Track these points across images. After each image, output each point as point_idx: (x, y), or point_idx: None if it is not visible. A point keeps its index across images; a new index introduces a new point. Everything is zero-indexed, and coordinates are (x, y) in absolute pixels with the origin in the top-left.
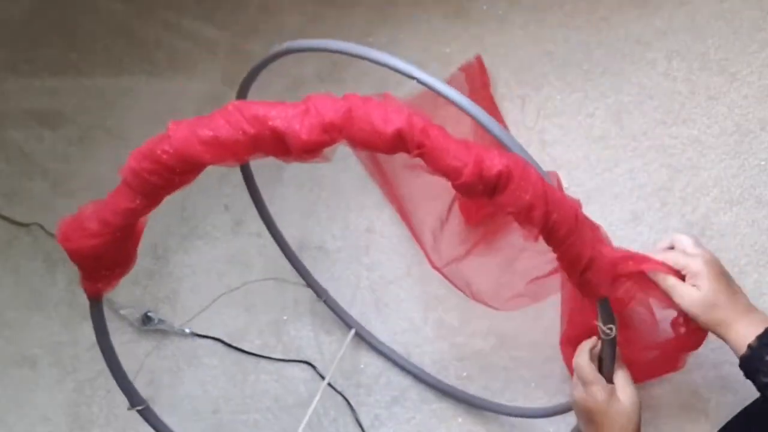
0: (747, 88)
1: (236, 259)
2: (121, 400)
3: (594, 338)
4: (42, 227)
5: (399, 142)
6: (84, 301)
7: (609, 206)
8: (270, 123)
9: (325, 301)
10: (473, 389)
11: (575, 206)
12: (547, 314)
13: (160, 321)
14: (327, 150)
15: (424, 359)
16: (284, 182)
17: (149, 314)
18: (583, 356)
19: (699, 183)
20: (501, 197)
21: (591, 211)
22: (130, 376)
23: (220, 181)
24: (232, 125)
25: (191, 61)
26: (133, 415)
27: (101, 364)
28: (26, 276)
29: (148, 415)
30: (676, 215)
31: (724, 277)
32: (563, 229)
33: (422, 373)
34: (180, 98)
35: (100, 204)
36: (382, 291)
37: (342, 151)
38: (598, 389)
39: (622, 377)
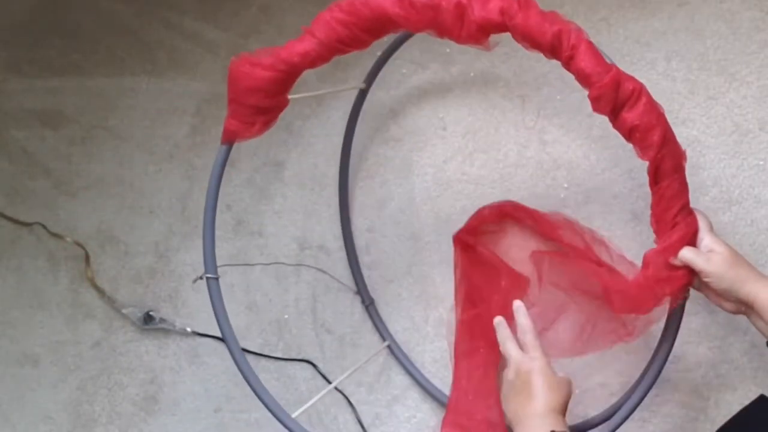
0: (746, 89)
1: (237, 258)
2: (123, 398)
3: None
4: (44, 227)
5: (557, 42)
6: (86, 299)
7: (609, 206)
8: None
9: (367, 307)
10: None
11: (683, 152)
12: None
13: (162, 320)
14: (493, 37)
15: (425, 358)
16: (285, 181)
17: (151, 313)
18: (526, 322)
19: (698, 183)
20: (629, 113)
21: (591, 210)
22: (131, 375)
23: (222, 181)
24: None
25: (193, 61)
26: (136, 413)
27: (103, 363)
28: (29, 275)
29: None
30: None
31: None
32: (670, 163)
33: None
34: (181, 98)
35: (278, 47)
36: (382, 291)
37: (340, 149)
38: (540, 354)
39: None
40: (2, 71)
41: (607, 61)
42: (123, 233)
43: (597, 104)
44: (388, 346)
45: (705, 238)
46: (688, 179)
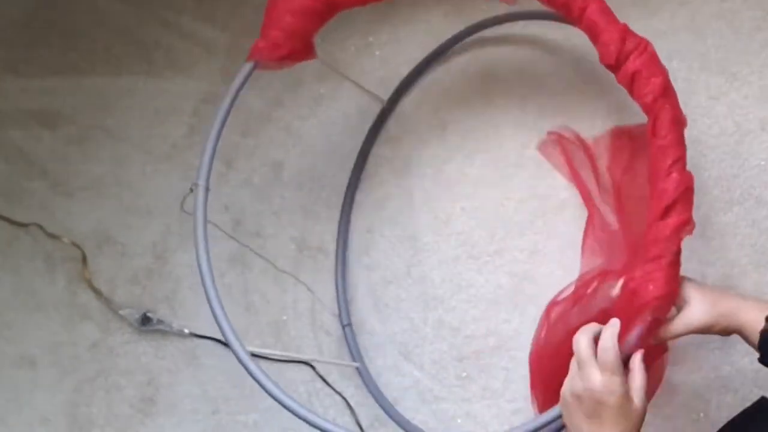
0: (747, 88)
1: (236, 258)
2: (120, 399)
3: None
4: (41, 227)
5: None
6: (83, 300)
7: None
8: None
9: (344, 327)
10: (473, 389)
11: (684, 117)
12: None
13: (159, 321)
14: None
15: (424, 359)
16: (284, 182)
17: (148, 314)
18: (610, 340)
19: (699, 183)
20: (633, 62)
21: None
22: (128, 376)
23: (219, 181)
24: None
25: (190, 60)
26: (133, 415)
27: (101, 364)
28: (25, 276)
29: None
30: None
31: (703, 284)
32: (669, 116)
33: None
34: (179, 98)
35: None
36: (382, 291)
37: (342, 147)
38: (620, 382)
39: (640, 379)
40: None
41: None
42: (120, 234)
43: (604, 51)
44: (357, 368)
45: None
46: None
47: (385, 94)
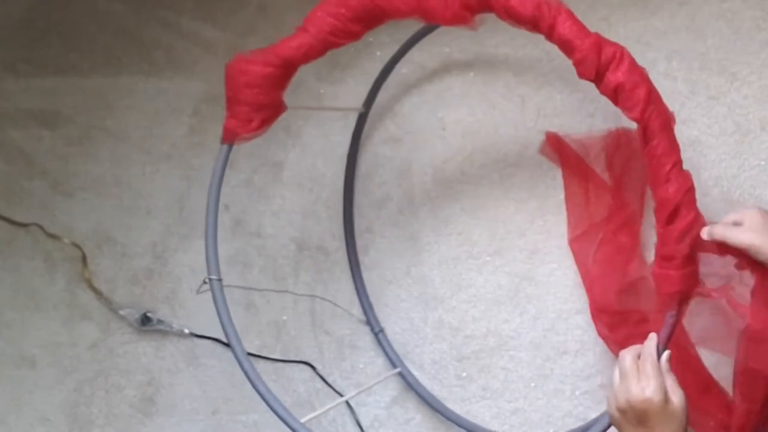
0: (747, 88)
1: (236, 258)
2: (120, 399)
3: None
4: (41, 227)
5: (538, 13)
6: (83, 300)
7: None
8: None
9: (377, 334)
10: (473, 389)
11: (671, 114)
12: (547, 315)
13: (159, 321)
14: (477, 17)
15: (424, 359)
16: (284, 182)
17: (148, 314)
18: (650, 350)
19: (699, 183)
20: (613, 74)
21: None
22: (128, 376)
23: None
24: None
25: (190, 60)
26: (133, 415)
27: (100, 364)
28: (25, 276)
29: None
30: None
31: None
32: (658, 122)
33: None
34: (179, 98)
35: (271, 45)
36: (382, 291)
37: (342, 147)
38: (656, 387)
39: (671, 378)
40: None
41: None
42: (120, 234)
43: (582, 68)
44: (400, 373)
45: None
46: None
47: (386, 94)
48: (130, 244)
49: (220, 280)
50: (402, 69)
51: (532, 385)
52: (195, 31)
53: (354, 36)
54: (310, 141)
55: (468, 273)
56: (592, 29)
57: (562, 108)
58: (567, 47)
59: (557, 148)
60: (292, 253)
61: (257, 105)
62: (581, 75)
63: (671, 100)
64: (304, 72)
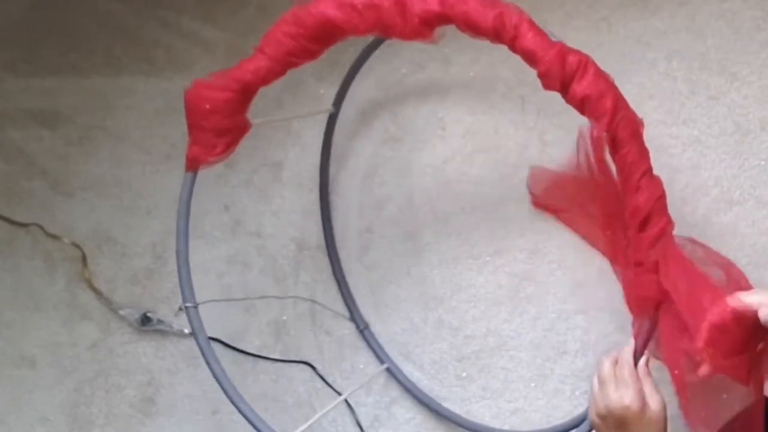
0: (747, 88)
1: (236, 258)
2: (120, 399)
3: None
4: (41, 227)
5: (499, 25)
6: (83, 300)
7: None
8: None
9: (362, 331)
10: (473, 389)
11: (639, 120)
12: (547, 315)
13: (159, 321)
14: (437, 30)
15: (424, 359)
16: (284, 182)
17: (148, 314)
18: (627, 357)
19: (699, 183)
20: (579, 84)
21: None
22: (128, 376)
23: (219, 181)
24: None
25: (190, 60)
26: (133, 415)
27: (100, 364)
28: (25, 276)
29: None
30: (676, 215)
31: None
32: (627, 131)
33: (453, 415)
34: (179, 98)
35: (231, 68)
36: (382, 291)
37: (342, 147)
38: (633, 393)
39: (649, 383)
40: None
41: (552, 39)
42: (120, 234)
43: (546, 80)
44: (387, 369)
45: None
46: (689, 179)
47: (386, 94)
48: (130, 244)
49: (195, 306)
50: (402, 69)
51: (532, 385)
52: (195, 31)
53: (312, 55)
54: (310, 141)
55: (468, 273)
56: (592, 29)
57: (562, 108)
58: (530, 59)
59: (544, 204)
60: (292, 253)
61: (220, 130)
62: (546, 87)
63: (671, 100)
64: (304, 72)
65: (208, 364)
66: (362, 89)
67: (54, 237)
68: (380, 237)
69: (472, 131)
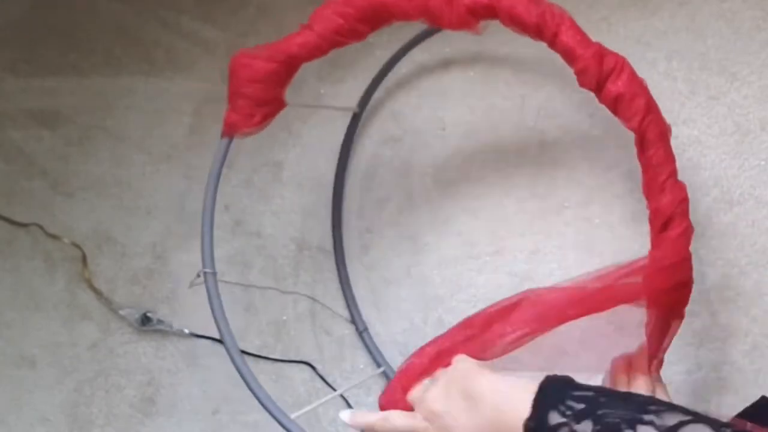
0: (747, 88)
1: (236, 258)
2: (121, 399)
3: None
4: (41, 227)
5: (542, 21)
6: (83, 300)
7: (609, 206)
8: None
9: (362, 333)
10: None
11: (668, 125)
12: None
13: (159, 321)
14: (482, 22)
15: None
16: (284, 182)
17: (148, 314)
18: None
19: (699, 183)
20: (614, 84)
21: (592, 210)
22: (128, 376)
23: (220, 181)
24: None
25: (190, 61)
26: (133, 415)
27: (100, 365)
28: (25, 276)
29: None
30: None
31: None
32: (655, 132)
33: None
34: (179, 98)
35: (277, 41)
36: (382, 291)
37: (338, 147)
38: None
39: (661, 390)
40: None
41: (591, 39)
42: (120, 234)
43: (583, 77)
44: (384, 372)
45: None
46: (689, 179)
47: (386, 94)
48: (130, 244)
49: (214, 273)
50: (402, 69)
51: None
52: (195, 31)
53: (359, 36)
54: (310, 141)
55: (468, 273)
56: (592, 29)
57: (562, 108)
58: (569, 56)
59: None
60: (292, 253)
61: (260, 100)
62: (582, 84)
63: (671, 100)
64: (304, 72)
65: (220, 331)
66: (362, 89)
67: (54, 237)
68: (380, 237)
69: (472, 131)
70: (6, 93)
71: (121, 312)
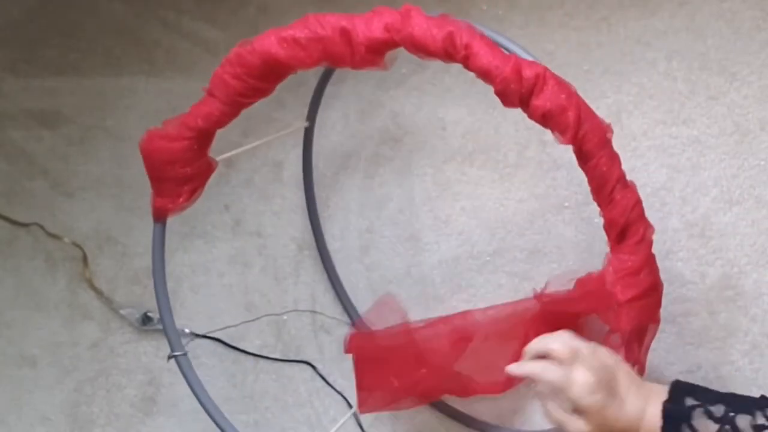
0: (747, 88)
1: (236, 258)
2: (121, 399)
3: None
4: (42, 227)
5: (449, 45)
6: (84, 300)
7: None
8: (339, 24)
9: None
10: None
11: (606, 126)
12: None
13: (160, 321)
14: (388, 54)
15: None
16: (284, 182)
17: (149, 314)
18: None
19: (699, 183)
20: (537, 99)
21: (592, 210)
22: (129, 376)
23: (220, 181)
24: (308, 28)
25: (191, 61)
26: (134, 414)
27: (101, 364)
28: (26, 276)
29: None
30: (676, 215)
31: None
32: (593, 141)
33: (455, 414)
34: (179, 98)
35: (183, 114)
36: (382, 291)
37: (342, 147)
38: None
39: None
40: (0, 71)
41: (505, 52)
42: (121, 234)
43: (504, 98)
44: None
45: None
46: (689, 179)
47: (386, 94)
48: (131, 243)
49: (185, 354)
50: (402, 69)
51: (532, 385)
52: (195, 31)
53: (264, 92)
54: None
55: (468, 273)
56: (592, 29)
57: None
58: (485, 77)
59: None
60: (293, 253)
61: (181, 179)
62: (506, 104)
63: (671, 100)
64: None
65: (204, 409)
66: (363, 88)
67: (54, 237)
68: (380, 237)
69: (472, 131)
70: (6, 93)
71: (122, 312)
